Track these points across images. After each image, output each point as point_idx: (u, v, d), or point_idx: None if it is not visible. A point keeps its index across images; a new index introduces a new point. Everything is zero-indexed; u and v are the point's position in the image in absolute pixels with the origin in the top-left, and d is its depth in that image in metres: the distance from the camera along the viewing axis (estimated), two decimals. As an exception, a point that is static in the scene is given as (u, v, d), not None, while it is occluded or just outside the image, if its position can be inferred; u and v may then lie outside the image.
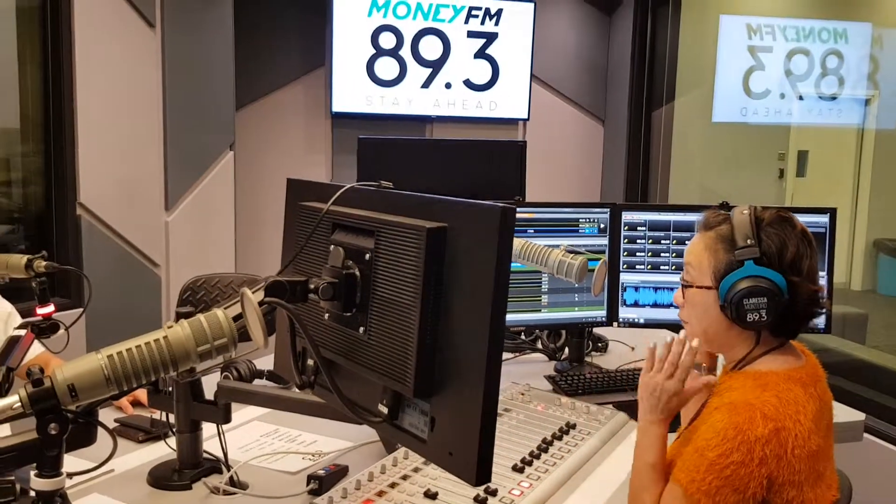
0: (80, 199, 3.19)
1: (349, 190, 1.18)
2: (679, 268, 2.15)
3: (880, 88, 5.50)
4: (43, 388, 0.95)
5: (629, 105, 4.81)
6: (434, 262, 1.00)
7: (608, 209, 2.27)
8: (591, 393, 2.12)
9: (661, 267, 2.26)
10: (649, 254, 2.26)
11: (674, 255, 2.24)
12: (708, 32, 5.18)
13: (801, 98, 5.39)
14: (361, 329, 1.09)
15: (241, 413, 1.91)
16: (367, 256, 1.08)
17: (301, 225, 1.23)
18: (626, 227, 2.26)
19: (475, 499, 1.45)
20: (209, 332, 0.98)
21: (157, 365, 0.96)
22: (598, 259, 1.68)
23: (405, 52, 4.44)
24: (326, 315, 1.15)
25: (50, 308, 1.74)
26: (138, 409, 1.94)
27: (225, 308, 1.02)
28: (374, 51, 4.38)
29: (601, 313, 2.28)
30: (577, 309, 2.28)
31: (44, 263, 1.74)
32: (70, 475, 1.27)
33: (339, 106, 4.37)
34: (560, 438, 1.76)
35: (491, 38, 4.59)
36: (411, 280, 1.01)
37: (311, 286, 1.08)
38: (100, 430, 1.07)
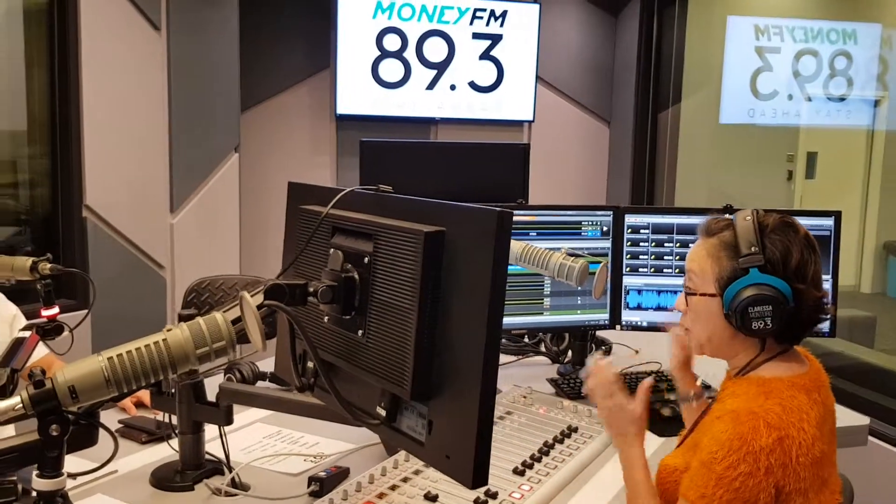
0: (86, 201, 3.21)
1: (348, 193, 1.19)
2: (682, 271, 2.14)
3: (890, 90, 5.46)
4: (44, 390, 0.96)
5: (635, 106, 4.80)
6: (431, 266, 1.00)
7: (611, 212, 2.27)
8: (594, 396, 2.12)
9: (665, 270, 2.25)
10: (652, 257, 2.26)
11: (677, 258, 2.23)
12: (715, 33, 5.17)
13: (809, 99, 5.37)
14: (360, 332, 1.09)
15: (245, 415, 1.92)
16: (366, 260, 1.08)
17: (301, 228, 1.24)
18: (629, 230, 2.26)
19: (475, 501, 1.45)
20: (208, 335, 0.98)
21: (157, 367, 0.97)
22: (600, 262, 1.67)
23: (410, 54, 4.45)
24: (326, 318, 1.16)
25: (55, 310, 1.75)
26: (142, 410, 1.96)
27: (224, 311, 1.03)
28: (378, 53, 4.39)
29: (604, 316, 2.28)
30: (579, 312, 2.28)
31: (48, 266, 1.75)
32: (74, 476, 1.29)
33: (343, 108, 4.38)
34: (561, 442, 1.76)
35: (496, 39, 4.59)
36: (409, 283, 1.01)
37: (311, 289, 1.08)
38: (103, 431, 1.08)
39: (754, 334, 1.32)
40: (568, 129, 4.95)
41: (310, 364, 1.23)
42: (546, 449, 1.70)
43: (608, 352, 2.55)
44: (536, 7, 4.61)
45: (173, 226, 3.59)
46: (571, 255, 1.64)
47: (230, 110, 3.84)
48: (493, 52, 4.59)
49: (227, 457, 1.63)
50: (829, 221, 2.19)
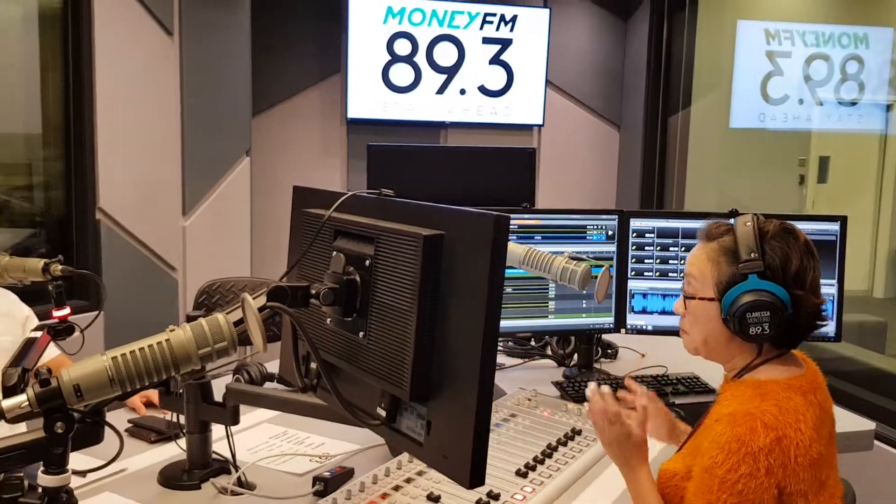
0: (99, 203, 3.25)
1: (351, 197, 1.21)
2: (686, 275, 2.15)
3: (902, 94, 5.43)
4: (49, 388, 0.98)
5: (645, 110, 4.79)
6: (431, 269, 1.02)
7: (616, 216, 2.28)
8: (599, 399, 2.12)
9: (670, 274, 2.26)
10: (657, 261, 2.26)
11: (682, 262, 2.23)
12: (725, 37, 5.15)
13: (820, 104, 5.34)
14: (361, 334, 1.11)
15: (252, 415, 1.94)
16: (367, 263, 1.10)
17: (304, 231, 1.26)
18: (634, 234, 2.27)
19: (477, 502, 1.47)
20: (210, 335, 1.00)
21: (160, 367, 0.99)
22: (602, 266, 1.68)
23: (420, 58, 4.47)
24: (328, 320, 1.18)
25: (66, 311, 1.78)
26: (151, 409, 1.98)
27: (227, 313, 1.05)
28: (389, 57, 4.42)
29: (608, 320, 2.29)
30: (584, 315, 2.28)
31: (60, 267, 1.78)
32: (82, 473, 1.31)
33: (354, 112, 4.41)
34: (565, 444, 1.77)
35: (506, 44, 4.61)
36: (409, 286, 1.03)
37: (313, 291, 1.10)
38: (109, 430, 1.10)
39: (752, 340, 1.32)
40: (578, 134, 4.95)
41: (313, 365, 1.25)
42: (549, 451, 1.71)
43: (614, 356, 2.55)
44: (546, 11, 4.63)
45: (185, 228, 3.63)
46: (574, 258, 1.65)
47: (242, 114, 3.88)
48: (503, 57, 4.61)
49: (234, 456, 1.65)
50: (835, 226, 2.18)
